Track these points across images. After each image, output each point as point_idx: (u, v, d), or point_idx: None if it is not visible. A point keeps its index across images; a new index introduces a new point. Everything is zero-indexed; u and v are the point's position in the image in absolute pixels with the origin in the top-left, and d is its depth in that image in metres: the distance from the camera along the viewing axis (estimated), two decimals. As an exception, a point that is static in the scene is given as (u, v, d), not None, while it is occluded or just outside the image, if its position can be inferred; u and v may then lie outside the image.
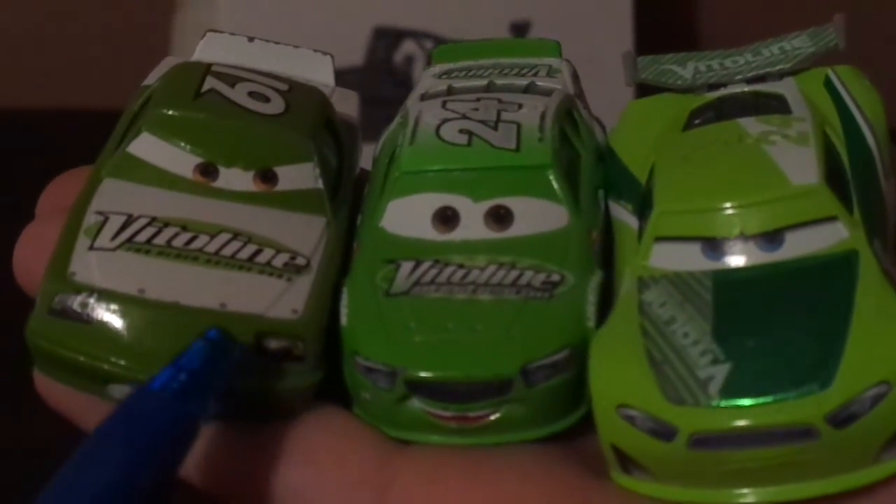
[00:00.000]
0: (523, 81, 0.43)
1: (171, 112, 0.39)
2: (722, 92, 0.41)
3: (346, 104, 0.44)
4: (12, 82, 0.96)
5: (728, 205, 0.37)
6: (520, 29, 0.81)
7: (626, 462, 0.36)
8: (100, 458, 0.32)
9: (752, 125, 0.39)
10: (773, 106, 0.40)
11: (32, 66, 0.98)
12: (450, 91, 0.43)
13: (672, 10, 1.02)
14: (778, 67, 0.41)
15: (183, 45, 0.74)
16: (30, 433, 0.63)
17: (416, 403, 0.37)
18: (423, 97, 0.43)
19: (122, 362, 0.36)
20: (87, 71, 0.95)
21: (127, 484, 0.32)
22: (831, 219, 0.37)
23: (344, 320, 0.37)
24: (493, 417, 0.36)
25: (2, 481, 0.63)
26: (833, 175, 0.37)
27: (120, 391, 0.36)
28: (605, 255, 0.39)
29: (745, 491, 0.35)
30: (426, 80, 0.44)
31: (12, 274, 0.40)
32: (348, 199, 0.41)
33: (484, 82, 0.43)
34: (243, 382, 0.36)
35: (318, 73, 0.44)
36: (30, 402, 0.39)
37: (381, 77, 0.80)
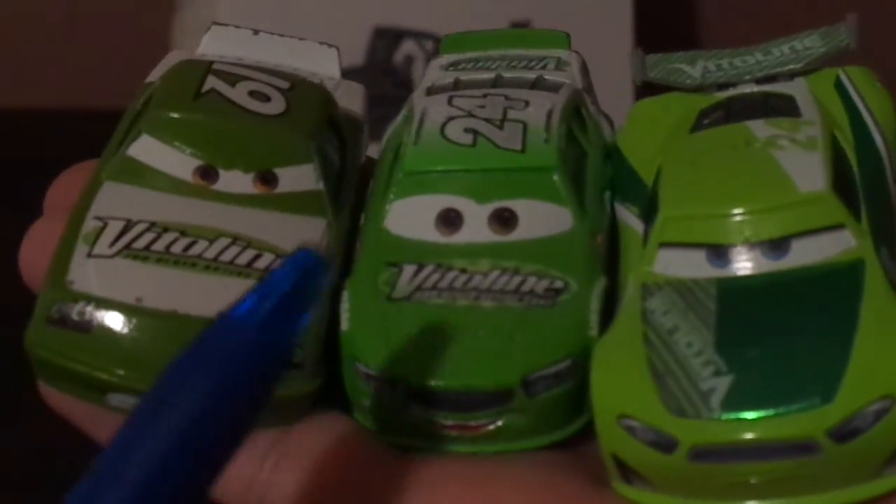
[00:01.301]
0: (531, 75, 0.42)
1: (170, 114, 0.39)
2: (731, 92, 0.40)
3: (352, 97, 0.43)
4: (12, 82, 0.96)
5: (734, 211, 0.36)
6: (520, 28, 0.80)
7: (628, 472, 0.35)
8: (177, 394, 0.29)
9: (760, 128, 0.38)
10: (783, 108, 0.39)
11: (32, 66, 0.98)
12: (456, 85, 0.42)
13: (672, 8, 1.01)
14: (788, 67, 0.40)
15: (183, 44, 0.73)
16: (31, 435, 0.64)
17: (416, 411, 0.36)
18: (430, 91, 0.42)
19: (121, 371, 0.36)
20: (87, 71, 0.95)
21: (206, 423, 0.29)
22: (838, 226, 0.36)
23: (344, 325, 0.37)
24: (493, 426, 0.36)
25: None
26: (841, 181, 0.37)
27: (119, 400, 0.36)
28: (611, 257, 0.39)
29: None
30: (433, 71, 0.43)
31: (16, 273, 0.40)
32: (351, 197, 0.41)
33: (491, 75, 0.42)
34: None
35: (324, 65, 0.44)
36: (31, 404, 0.39)
37: (382, 77, 0.80)
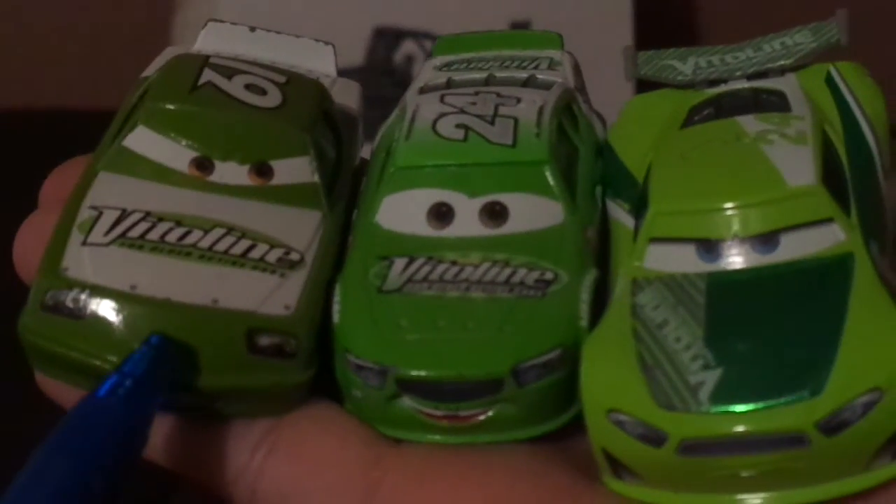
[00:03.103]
0: (523, 74, 0.42)
1: (166, 105, 0.39)
2: (722, 88, 0.41)
3: (347, 95, 0.43)
4: (12, 82, 0.96)
5: (723, 206, 0.36)
6: (520, 28, 0.80)
7: (618, 467, 0.36)
8: (50, 467, 0.32)
9: (750, 123, 0.38)
10: (773, 103, 0.39)
11: (32, 66, 0.98)
12: (449, 84, 0.42)
13: (672, 7, 1.01)
14: (779, 63, 0.40)
15: (183, 44, 0.74)
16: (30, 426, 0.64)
17: (406, 402, 0.36)
18: (422, 90, 0.42)
19: (114, 358, 0.36)
20: (86, 70, 0.95)
21: (79, 493, 0.32)
22: (827, 220, 0.36)
23: (336, 317, 0.37)
24: (483, 416, 0.36)
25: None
26: (831, 175, 0.37)
27: (112, 387, 0.36)
28: (602, 252, 0.39)
29: (735, 497, 0.35)
30: (426, 72, 0.44)
31: (12, 267, 0.40)
32: (346, 192, 0.41)
33: (484, 75, 0.43)
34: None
35: (320, 62, 0.44)
36: (30, 395, 0.39)
37: (381, 77, 0.80)
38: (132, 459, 0.34)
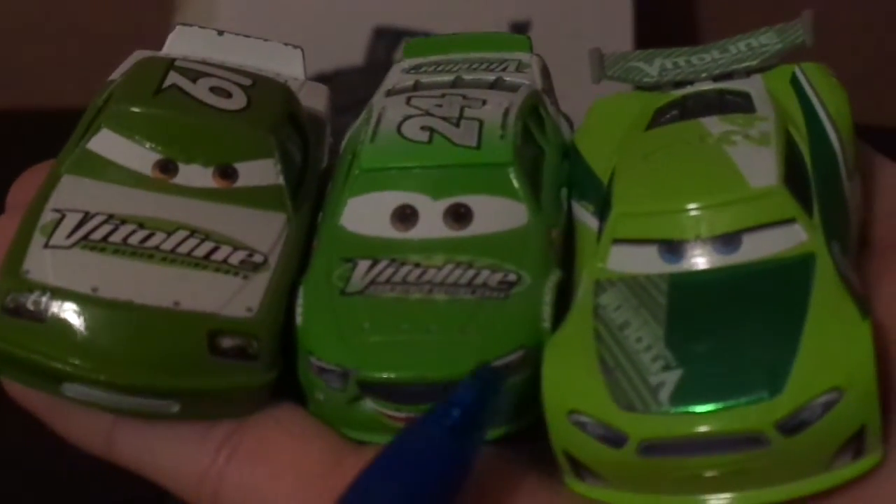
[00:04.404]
0: (491, 77, 0.42)
1: (130, 108, 0.39)
2: (688, 90, 0.41)
3: (315, 98, 0.43)
4: (11, 82, 0.96)
5: (685, 207, 0.36)
6: (520, 28, 0.80)
7: (580, 468, 0.36)
8: (377, 493, 0.32)
9: (714, 125, 0.38)
10: (738, 104, 0.39)
11: (31, 66, 0.98)
12: (416, 87, 0.42)
13: (672, 8, 1.01)
14: (745, 64, 0.40)
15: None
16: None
17: (368, 404, 0.36)
18: (389, 93, 0.42)
19: (76, 361, 0.36)
20: (86, 70, 0.95)
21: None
22: (789, 221, 0.36)
23: (299, 319, 0.37)
24: None
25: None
26: (793, 176, 0.37)
27: (74, 390, 0.36)
28: (568, 254, 0.39)
29: (697, 498, 0.35)
30: (394, 75, 0.44)
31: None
32: (312, 194, 0.41)
33: (451, 77, 0.43)
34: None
35: (288, 66, 0.44)
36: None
37: (381, 77, 0.81)
38: (456, 492, 0.34)
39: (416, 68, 0.44)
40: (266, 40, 0.44)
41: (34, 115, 0.93)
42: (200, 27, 0.44)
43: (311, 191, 0.41)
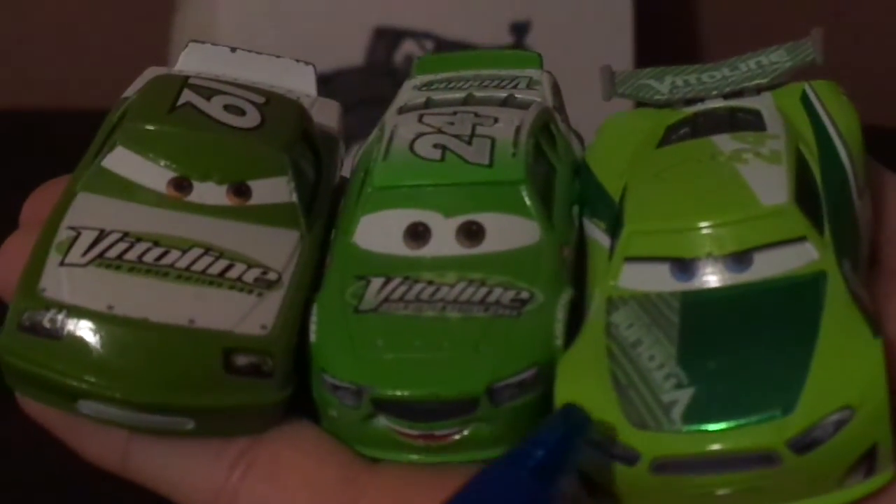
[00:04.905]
0: (502, 94, 0.43)
1: (145, 126, 0.40)
2: (698, 107, 0.41)
3: (327, 114, 0.44)
4: (11, 82, 0.96)
5: (697, 225, 0.37)
6: (520, 29, 0.80)
7: (592, 486, 0.36)
8: None
9: (725, 143, 0.38)
10: (749, 122, 0.39)
11: (31, 66, 0.98)
12: (428, 104, 0.43)
13: (672, 7, 1.01)
14: (755, 82, 0.41)
15: (182, 45, 0.74)
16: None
17: (382, 421, 0.37)
18: (401, 110, 0.42)
19: (92, 379, 0.36)
20: (86, 71, 0.95)
21: None
22: (800, 239, 0.36)
23: (313, 337, 0.38)
24: (458, 436, 0.36)
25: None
26: (804, 194, 0.37)
27: (90, 408, 0.36)
28: (579, 271, 0.39)
29: None
30: (406, 92, 0.44)
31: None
32: (325, 212, 0.41)
33: (463, 94, 0.43)
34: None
35: (300, 82, 0.44)
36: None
37: (381, 77, 0.80)
38: None
39: (427, 85, 0.44)
40: (278, 57, 0.44)
41: (34, 115, 0.93)
42: (213, 44, 0.44)
43: (324, 208, 0.41)
